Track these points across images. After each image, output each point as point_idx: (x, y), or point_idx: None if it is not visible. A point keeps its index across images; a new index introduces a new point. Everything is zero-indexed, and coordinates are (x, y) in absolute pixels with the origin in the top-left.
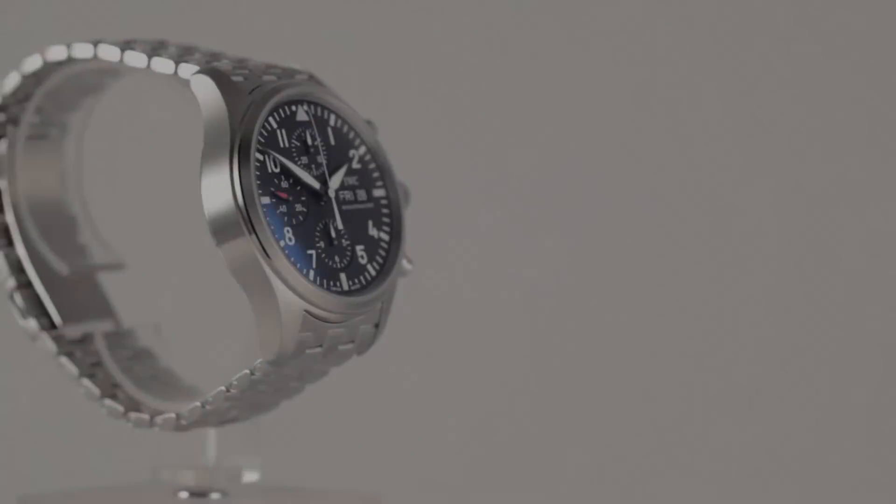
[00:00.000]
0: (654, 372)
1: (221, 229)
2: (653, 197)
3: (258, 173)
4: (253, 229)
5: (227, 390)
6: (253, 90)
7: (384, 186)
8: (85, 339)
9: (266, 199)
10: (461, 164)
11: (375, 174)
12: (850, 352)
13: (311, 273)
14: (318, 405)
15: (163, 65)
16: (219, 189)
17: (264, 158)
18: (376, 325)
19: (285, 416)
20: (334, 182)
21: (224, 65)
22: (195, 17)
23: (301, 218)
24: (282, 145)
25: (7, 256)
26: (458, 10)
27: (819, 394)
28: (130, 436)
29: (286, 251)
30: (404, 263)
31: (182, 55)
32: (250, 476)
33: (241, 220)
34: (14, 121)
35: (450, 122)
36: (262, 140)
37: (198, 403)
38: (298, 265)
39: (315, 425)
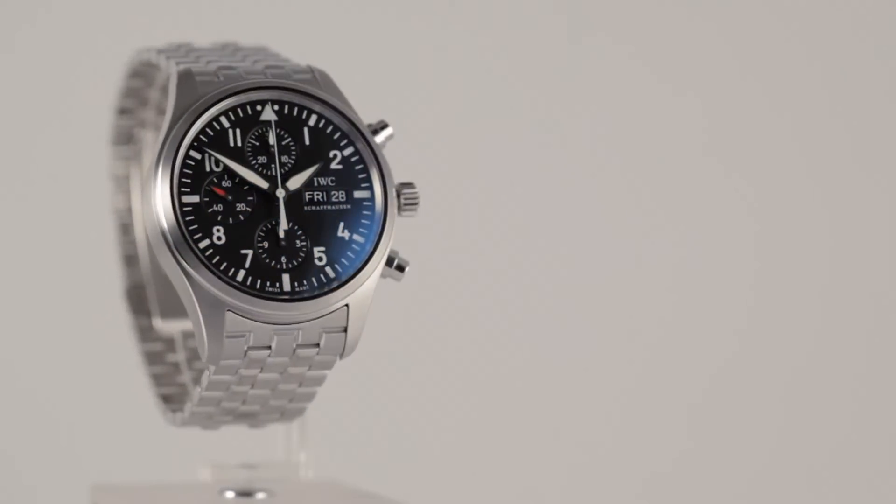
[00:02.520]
0: (660, 373)
1: (153, 244)
2: (653, 201)
3: (189, 171)
4: (167, 234)
5: (202, 391)
6: (211, 90)
7: (370, 188)
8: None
9: (194, 198)
10: (463, 166)
11: (361, 175)
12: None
13: (241, 273)
14: (371, 408)
15: (173, 67)
16: (147, 194)
17: (202, 157)
18: (345, 329)
19: (333, 418)
20: (294, 182)
21: (204, 65)
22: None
23: (242, 217)
24: (232, 144)
25: (127, 255)
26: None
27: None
28: (192, 433)
29: (208, 252)
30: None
31: (199, 56)
32: (297, 476)
33: (158, 229)
34: (142, 124)
35: (450, 124)
36: (205, 139)
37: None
38: (224, 265)
39: (367, 428)
